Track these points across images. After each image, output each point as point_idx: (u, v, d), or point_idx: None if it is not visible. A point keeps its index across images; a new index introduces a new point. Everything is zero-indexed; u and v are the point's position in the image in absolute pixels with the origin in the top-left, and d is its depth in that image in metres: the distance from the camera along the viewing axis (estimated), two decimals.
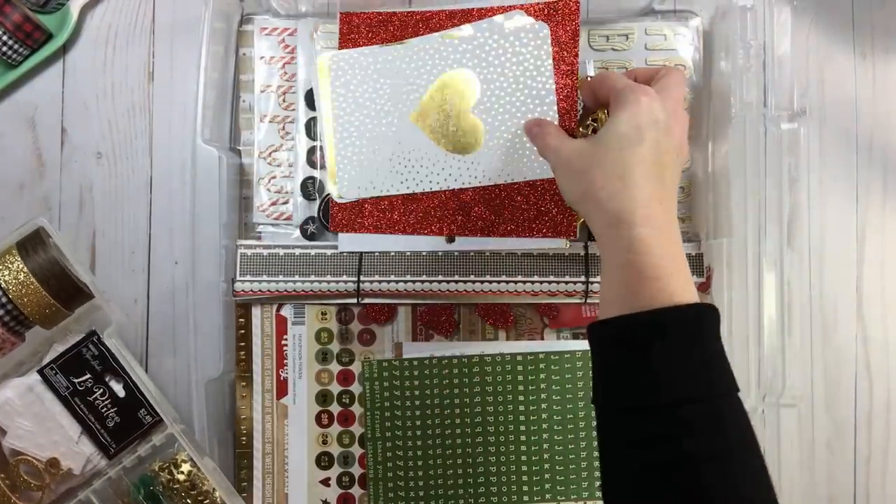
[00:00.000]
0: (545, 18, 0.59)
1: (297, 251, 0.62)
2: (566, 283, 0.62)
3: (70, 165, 0.65)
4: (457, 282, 0.62)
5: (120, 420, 0.59)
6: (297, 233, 0.64)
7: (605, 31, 0.64)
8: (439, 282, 0.62)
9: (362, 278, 0.62)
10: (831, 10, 0.67)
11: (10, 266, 0.55)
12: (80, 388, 0.58)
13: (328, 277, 0.62)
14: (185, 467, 0.59)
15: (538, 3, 0.59)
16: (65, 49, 0.65)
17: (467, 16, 0.60)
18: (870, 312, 0.66)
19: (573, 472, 0.62)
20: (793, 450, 0.62)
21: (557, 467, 0.63)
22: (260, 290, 0.62)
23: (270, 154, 0.64)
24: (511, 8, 0.59)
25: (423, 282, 0.62)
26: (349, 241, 0.62)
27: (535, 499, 0.63)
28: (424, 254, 0.62)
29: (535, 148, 0.55)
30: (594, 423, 0.62)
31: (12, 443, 0.58)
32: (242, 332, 0.64)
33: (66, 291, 0.56)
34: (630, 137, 0.46)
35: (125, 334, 0.64)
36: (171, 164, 0.65)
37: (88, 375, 0.58)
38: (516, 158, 0.60)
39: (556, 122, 0.58)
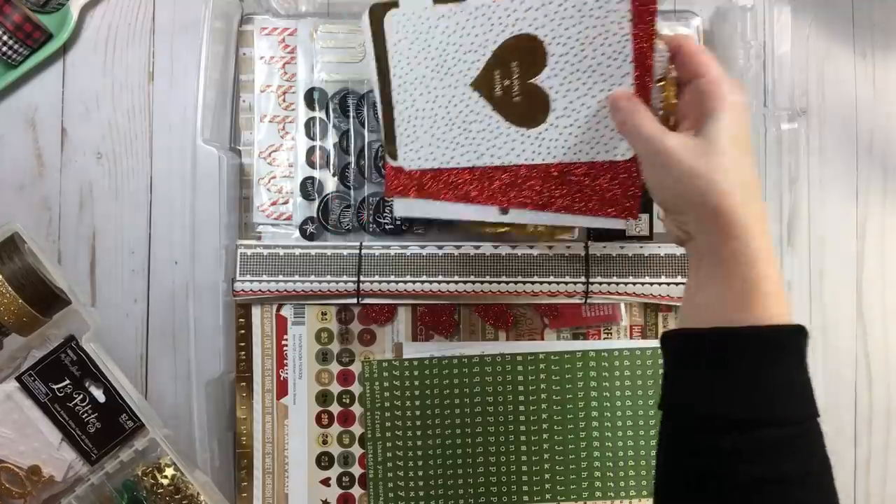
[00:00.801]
0: None
1: (297, 251, 0.62)
2: (566, 283, 0.62)
3: (70, 165, 0.65)
4: (457, 282, 0.62)
5: (101, 425, 0.59)
6: (297, 233, 0.64)
7: None
8: (439, 282, 0.62)
9: (362, 278, 0.62)
10: (831, 10, 0.67)
11: None
12: (60, 395, 0.58)
13: (328, 277, 0.62)
14: (169, 471, 0.59)
15: None
16: (65, 49, 0.65)
17: None
18: (870, 312, 0.66)
19: (573, 473, 0.62)
20: None
21: (557, 467, 0.63)
22: (260, 290, 0.62)
23: (270, 154, 0.64)
24: None
25: (423, 282, 0.62)
26: (404, 207, 0.59)
27: (536, 499, 0.63)
28: (424, 254, 0.62)
29: (608, 126, 0.52)
30: (594, 424, 0.62)
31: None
32: (242, 332, 0.64)
33: (43, 298, 0.56)
34: (743, 141, 0.43)
35: (124, 335, 0.64)
36: (171, 164, 0.65)
37: (68, 381, 0.58)
38: (586, 135, 0.54)
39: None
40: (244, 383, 0.63)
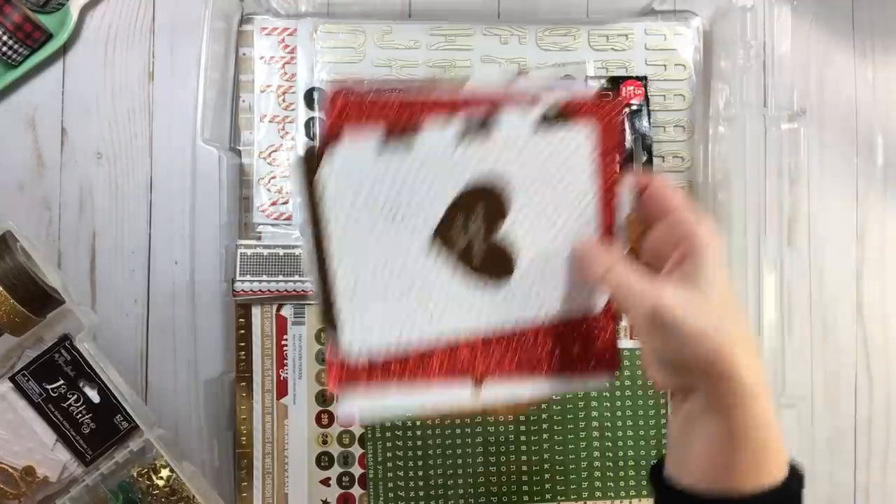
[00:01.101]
0: (587, 114, 0.48)
1: (298, 251, 0.62)
2: None
3: (70, 165, 0.65)
4: None
5: (95, 426, 0.59)
6: (297, 233, 0.64)
7: (605, 31, 0.64)
8: None
9: None
10: (831, 10, 0.67)
11: None
12: (54, 395, 0.58)
13: None
14: (165, 473, 0.59)
15: (578, 100, 0.47)
16: (65, 49, 0.65)
17: (487, 102, 0.47)
18: (870, 312, 0.66)
19: (573, 473, 0.62)
20: (793, 450, 0.62)
21: (557, 467, 0.63)
22: (260, 290, 0.62)
23: (270, 154, 0.64)
24: (540, 96, 0.47)
25: None
26: (352, 405, 0.47)
27: (536, 499, 0.63)
28: None
29: (572, 280, 0.47)
30: (594, 424, 0.62)
31: None
32: (242, 332, 0.64)
33: (35, 297, 0.55)
34: (730, 289, 0.40)
35: (124, 335, 0.64)
36: (171, 164, 0.65)
37: (62, 381, 0.58)
38: (556, 291, 0.48)
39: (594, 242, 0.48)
40: (244, 383, 0.63)
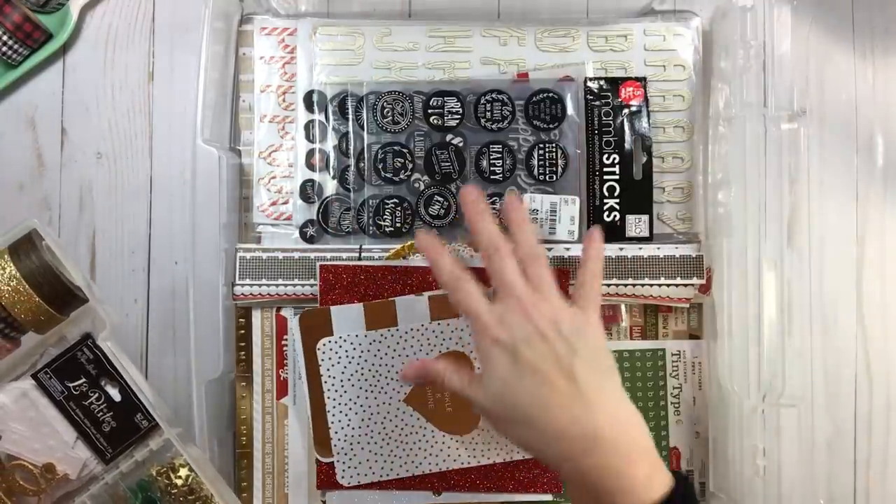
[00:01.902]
0: None
1: (297, 255, 0.62)
2: (568, 285, 0.62)
3: (70, 165, 0.65)
4: None
5: (116, 424, 0.59)
6: (297, 233, 0.64)
7: (604, 31, 0.64)
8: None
9: None
10: (831, 10, 0.67)
11: (2, 271, 0.54)
12: (75, 393, 0.58)
13: None
14: (183, 472, 0.59)
15: None
16: (65, 49, 0.65)
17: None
18: (870, 312, 0.66)
19: None
20: (793, 450, 0.62)
21: None
22: (260, 294, 0.62)
23: (270, 154, 0.64)
24: None
25: None
26: (339, 499, 0.61)
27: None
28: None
29: None
30: None
31: (7, 448, 0.58)
32: (242, 332, 0.64)
33: (60, 296, 0.55)
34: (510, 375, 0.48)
35: (124, 335, 0.64)
36: (171, 164, 0.65)
37: (83, 380, 0.58)
38: None
39: None
40: (244, 383, 0.63)
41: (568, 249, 0.62)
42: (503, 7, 0.65)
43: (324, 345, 0.60)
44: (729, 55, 0.61)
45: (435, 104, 0.63)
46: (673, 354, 0.64)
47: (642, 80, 0.63)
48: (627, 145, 0.63)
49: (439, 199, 0.63)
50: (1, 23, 0.61)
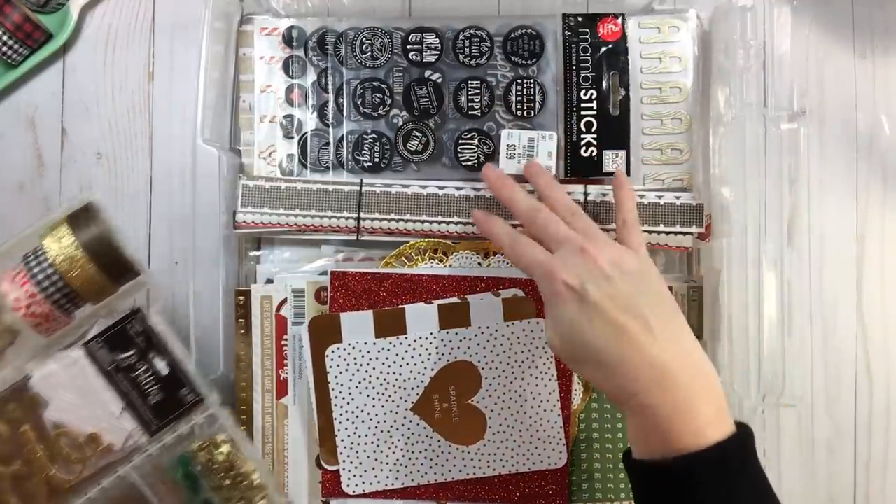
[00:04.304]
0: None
1: (299, 185, 0.62)
2: None
3: (70, 165, 0.65)
4: (455, 223, 0.62)
5: (162, 398, 0.58)
6: (277, 170, 0.64)
7: None
8: (438, 222, 0.62)
9: (362, 215, 0.62)
10: (831, 10, 0.67)
11: (60, 240, 0.54)
12: (124, 364, 0.57)
13: (328, 213, 0.62)
14: (225, 448, 0.58)
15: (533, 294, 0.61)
16: (65, 49, 0.66)
17: (459, 283, 0.61)
18: (870, 312, 0.66)
19: (573, 474, 0.62)
20: (793, 450, 0.62)
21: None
22: (261, 223, 0.62)
23: (270, 154, 0.64)
24: (507, 282, 0.61)
25: (422, 221, 0.62)
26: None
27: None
28: (426, 193, 0.62)
29: (540, 439, 0.60)
30: (594, 425, 0.62)
31: (54, 415, 0.57)
32: (242, 332, 0.64)
33: (115, 267, 0.55)
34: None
35: None
36: (171, 164, 0.65)
37: (132, 352, 0.58)
38: (521, 448, 0.60)
39: (558, 412, 0.60)
40: (244, 383, 0.64)
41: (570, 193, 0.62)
42: (503, 7, 0.65)
43: (332, 351, 0.60)
44: (729, 55, 0.61)
45: (413, 40, 0.64)
46: None
47: (620, 17, 0.63)
48: (605, 82, 0.63)
49: (417, 134, 0.64)
50: (1, 23, 0.61)
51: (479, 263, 0.62)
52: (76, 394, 0.57)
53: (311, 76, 0.64)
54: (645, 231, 0.62)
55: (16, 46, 0.63)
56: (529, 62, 0.64)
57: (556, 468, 0.61)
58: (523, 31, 0.64)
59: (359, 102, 0.64)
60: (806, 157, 0.63)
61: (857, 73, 0.67)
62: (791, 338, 0.58)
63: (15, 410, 0.56)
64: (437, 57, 0.64)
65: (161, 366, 0.58)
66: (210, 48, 0.59)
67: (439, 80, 0.64)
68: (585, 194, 0.62)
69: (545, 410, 0.60)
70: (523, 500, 0.61)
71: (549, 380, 0.60)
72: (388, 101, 0.64)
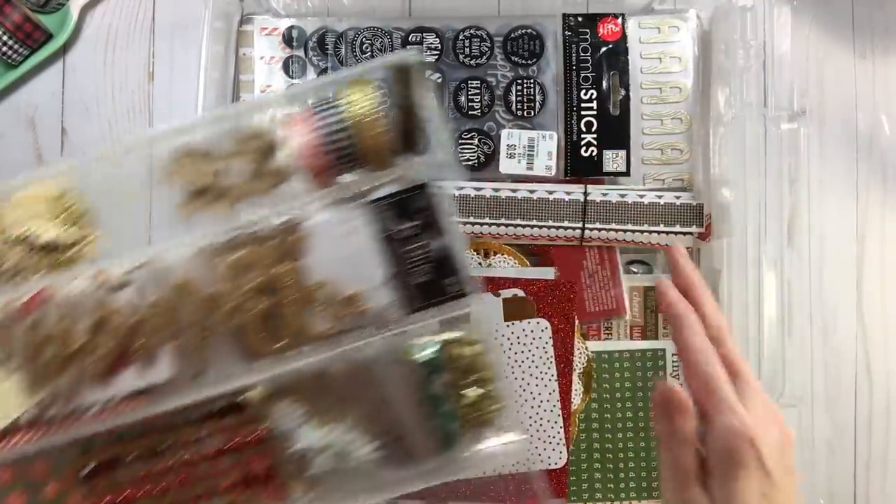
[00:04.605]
0: (542, 295, 0.61)
1: None
2: (565, 228, 0.62)
3: None
4: (488, 224, 0.63)
5: (428, 279, 0.55)
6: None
7: None
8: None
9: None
10: (831, 10, 0.67)
11: (365, 96, 0.51)
12: (401, 236, 0.54)
13: None
14: (472, 349, 0.55)
15: (536, 281, 0.61)
16: (65, 49, 0.65)
17: None
18: (870, 312, 0.66)
19: (573, 474, 0.62)
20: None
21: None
22: None
23: None
24: (507, 282, 0.61)
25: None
26: None
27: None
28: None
29: (537, 439, 0.59)
30: (594, 425, 0.62)
31: (317, 266, 0.54)
32: None
33: (411, 139, 0.52)
34: None
35: None
36: None
37: (412, 225, 0.54)
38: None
39: (558, 412, 0.60)
40: None
41: (569, 194, 0.63)
42: (503, 7, 0.65)
43: None
44: (729, 55, 0.61)
45: (413, 40, 0.64)
46: (673, 354, 0.64)
47: (620, 17, 0.63)
48: (605, 82, 0.63)
49: None
50: (1, 23, 0.61)
51: (480, 263, 0.62)
52: (347, 252, 0.54)
53: (311, 76, 0.64)
54: (645, 231, 0.62)
55: (16, 46, 0.63)
56: (529, 62, 0.64)
57: (556, 468, 0.60)
58: (523, 31, 0.64)
59: None
60: (806, 157, 0.63)
61: (857, 73, 0.67)
62: (791, 338, 0.58)
63: (279, 248, 0.53)
64: (437, 57, 0.64)
65: (436, 247, 0.54)
66: (210, 48, 0.59)
67: (439, 80, 0.64)
68: (585, 194, 0.62)
69: (545, 410, 0.60)
70: (523, 500, 0.61)
71: (550, 380, 0.60)
72: None
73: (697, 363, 0.45)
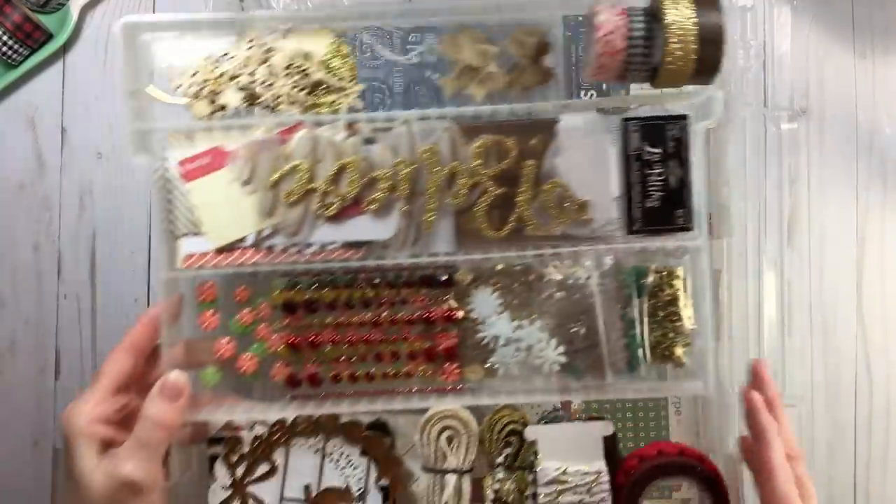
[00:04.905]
0: None
1: None
2: None
3: (70, 165, 0.65)
4: None
5: (658, 206, 0.55)
6: None
7: None
8: None
9: None
10: (831, 10, 0.67)
11: (679, 9, 0.50)
12: (645, 157, 0.55)
13: None
14: (678, 283, 0.56)
15: None
16: (65, 49, 0.65)
17: None
18: (870, 312, 0.66)
19: None
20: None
21: None
22: None
23: None
24: None
25: None
26: None
27: None
28: None
29: None
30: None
31: (560, 166, 0.55)
32: None
33: (708, 65, 0.51)
34: None
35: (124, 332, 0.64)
36: None
37: (659, 150, 0.55)
38: None
39: None
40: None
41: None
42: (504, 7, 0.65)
43: None
44: (729, 55, 0.61)
45: (413, 40, 0.64)
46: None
47: None
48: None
49: None
50: (1, 23, 0.61)
51: None
52: (589, 159, 0.55)
53: None
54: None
55: (16, 46, 0.63)
56: None
57: None
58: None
59: None
60: (806, 156, 0.63)
61: (857, 72, 0.67)
62: (791, 338, 0.58)
63: (526, 142, 0.54)
64: (437, 56, 0.64)
65: (675, 177, 0.55)
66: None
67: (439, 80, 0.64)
68: None
69: None
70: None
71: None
72: (388, 101, 0.64)
73: (778, 482, 0.49)
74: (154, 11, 0.66)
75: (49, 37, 0.64)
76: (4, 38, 0.62)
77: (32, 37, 0.63)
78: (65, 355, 0.64)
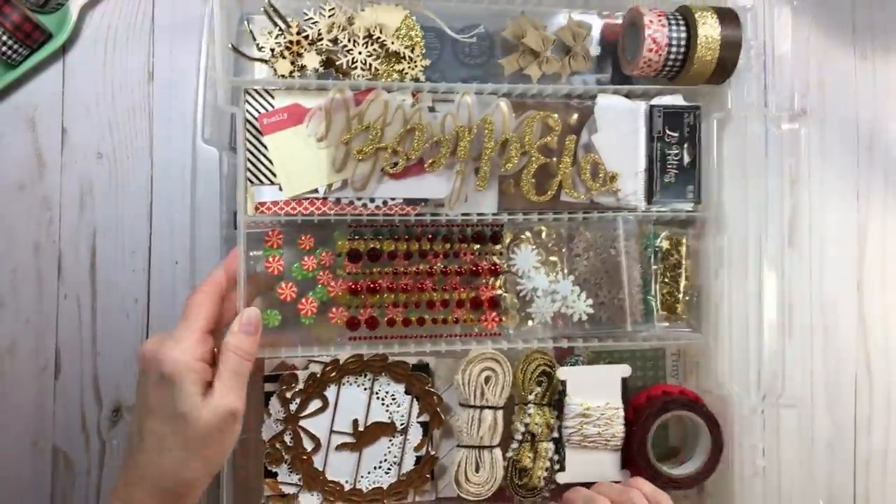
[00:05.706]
0: None
1: None
2: None
3: (70, 165, 0.65)
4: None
5: (672, 182, 0.62)
6: None
7: None
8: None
9: None
10: (831, 10, 0.67)
11: (705, 22, 0.58)
12: (665, 139, 0.62)
13: None
14: (682, 250, 0.63)
15: None
16: (65, 49, 0.65)
17: None
18: (870, 312, 0.66)
19: None
20: (793, 450, 0.62)
21: None
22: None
23: None
24: None
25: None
26: None
27: None
28: None
29: None
30: None
31: (598, 140, 0.61)
32: None
33: (724, 72, 0.59)
34: None
35: (124, 334, 0.64)
36: (171, 164, 0.65)
37: (676, 134, 0.62)
38: None
39: None
40: None
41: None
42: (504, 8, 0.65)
43: None
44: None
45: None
46: (672, 354, 0.64)
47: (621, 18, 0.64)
48: None
49: None
50: (1, 23, 0.61)
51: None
52: (621, 136, 0.62)
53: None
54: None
55: (15, 46, 0.63)
56: None
57: None
58: None
59: None
60: (806, 157, 0.63)
61: (858, 73, 0.67)
62: (791, 338, 0.58)
63: (569, 118, 0.62)
64: (437, 56, 0.63)
65: (687, 157, 0.62)
66: (210, 48, 0.59)
67: (439, 80, 0.64)
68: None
69: None
70: None
71: None
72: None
73: None
74: (154, 12, 0.66)
75: (49, 37, 0.64)
76: (4, 38, 0.62)
77: (32, 37, 0.63)
78: (65, 355, 0.64)
